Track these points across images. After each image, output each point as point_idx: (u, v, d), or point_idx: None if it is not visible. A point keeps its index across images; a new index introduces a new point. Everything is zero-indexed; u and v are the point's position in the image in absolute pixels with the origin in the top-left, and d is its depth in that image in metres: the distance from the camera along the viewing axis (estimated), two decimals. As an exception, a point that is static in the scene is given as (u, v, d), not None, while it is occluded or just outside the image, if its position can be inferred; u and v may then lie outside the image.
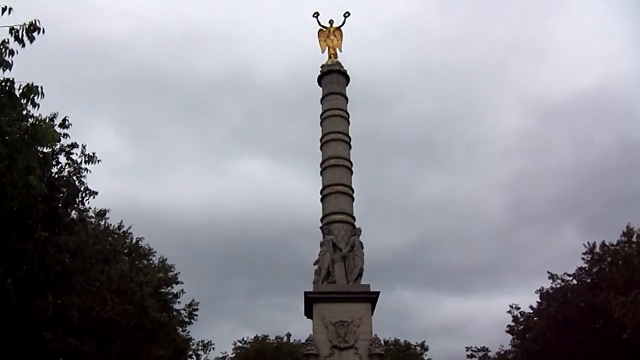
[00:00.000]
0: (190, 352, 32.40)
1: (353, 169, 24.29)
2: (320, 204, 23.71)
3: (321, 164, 24.27)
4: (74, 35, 59.90)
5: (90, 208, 20.80)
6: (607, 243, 30.08)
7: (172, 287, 26.75)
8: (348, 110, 25.09)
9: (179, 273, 27.00)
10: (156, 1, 79.70)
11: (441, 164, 74.41)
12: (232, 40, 78.46)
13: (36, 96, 11.27)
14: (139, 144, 76.53)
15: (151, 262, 26.16)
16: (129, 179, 70.66)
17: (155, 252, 26.59)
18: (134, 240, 25.58)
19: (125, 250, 23.90)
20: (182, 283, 26.57)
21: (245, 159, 76.96)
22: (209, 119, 78.68)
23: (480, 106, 74.84)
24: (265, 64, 76.79)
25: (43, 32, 10.65)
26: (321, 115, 25.06)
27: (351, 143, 24.64)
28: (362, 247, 22.16)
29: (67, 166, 17.05)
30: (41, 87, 11.21)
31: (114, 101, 74.38)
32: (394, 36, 76.36)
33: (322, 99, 25.25)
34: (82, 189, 16.80)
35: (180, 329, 29.59)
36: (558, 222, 66.74)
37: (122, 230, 25.73)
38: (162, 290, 25.68)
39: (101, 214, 23.04)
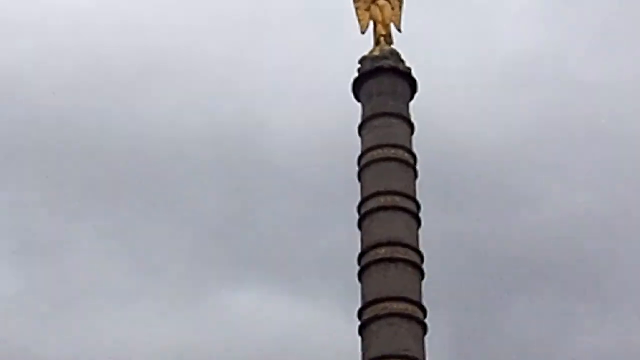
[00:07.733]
0: None
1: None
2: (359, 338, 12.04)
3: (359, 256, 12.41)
4: None
5: None
6: None
7: None
8: (414, 150, 13.02)
9: None
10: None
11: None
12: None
13: None
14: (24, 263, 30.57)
15: None
16: None
17: None
18: None
19: None
20: None
21: (233, 290, 30.68)
22: (167, 215, 31.42)
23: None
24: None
25: None
26: (359, 159, 13.17)
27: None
28: None
29: None
30: None
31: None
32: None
33: (361, 126, 13.21)
34: None
35: None
36: None
37: None
38: None
39: None
